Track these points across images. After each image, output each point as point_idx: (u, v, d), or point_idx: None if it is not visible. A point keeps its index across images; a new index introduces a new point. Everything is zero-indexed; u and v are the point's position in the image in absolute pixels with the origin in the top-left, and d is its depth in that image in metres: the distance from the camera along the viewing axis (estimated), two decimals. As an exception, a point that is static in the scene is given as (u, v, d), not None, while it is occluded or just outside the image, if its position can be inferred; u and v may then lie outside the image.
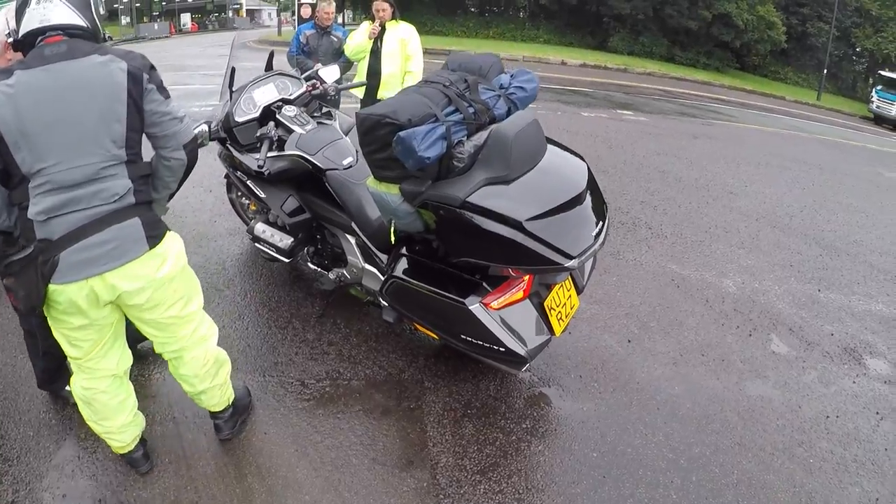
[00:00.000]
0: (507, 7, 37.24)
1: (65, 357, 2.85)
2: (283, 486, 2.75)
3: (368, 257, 3.52)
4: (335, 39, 6.42)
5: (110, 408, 2.56)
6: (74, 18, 2.20)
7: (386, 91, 5.92)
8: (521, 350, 2.75)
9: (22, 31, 2.19)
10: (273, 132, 3.67)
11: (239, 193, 4.74)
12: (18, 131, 2.04)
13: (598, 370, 3.62)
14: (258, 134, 3.72)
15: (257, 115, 3.93)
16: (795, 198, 7.75)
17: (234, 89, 4.11)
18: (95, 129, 2.15)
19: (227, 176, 4.65)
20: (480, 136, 2.60)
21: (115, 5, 54.65)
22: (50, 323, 2.35)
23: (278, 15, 37.33)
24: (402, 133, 2.37)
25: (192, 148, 2.50)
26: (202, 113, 10.61)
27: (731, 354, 3.90)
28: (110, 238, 2.19)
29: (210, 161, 7.36)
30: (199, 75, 16.63)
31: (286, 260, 3.90)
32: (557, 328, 2.98)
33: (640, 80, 20.91)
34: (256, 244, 4.06)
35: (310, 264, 4.02)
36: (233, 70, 4.29)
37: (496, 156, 2.51)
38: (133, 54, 2.27)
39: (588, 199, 2.67)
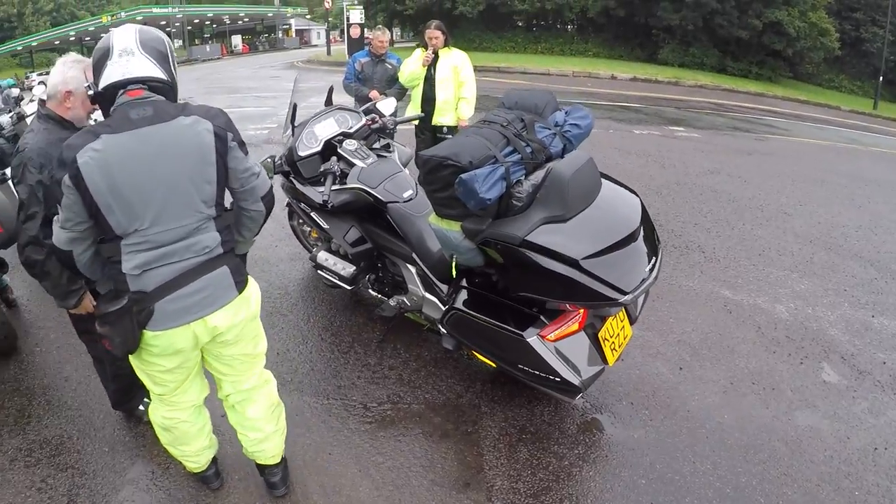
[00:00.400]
0: (554, 21, 37.13)
1: (135, 377, 2.99)
2: None
3: (428, 286, 3.66)
4: (389, 66, 6.62)
5: (190, 434, 2.71)
6: (155, 71, 2.23)
7: (440, 117, 6.11)
8: (575, 380, 2.86)
9: (102, 84, 2.21)
10: (336, 167, 3.88)
11: (300, 221, 4.95)
12: (111, 195, 2.07)
13: (650, 397, 3.67)
14: (322, 168, 3.93)
15: (319, 148, 4.15)
16: (850, 217, 7.57)
17: (296, 125, 4.34)
18: (188, 191, 2.20)
19: (288, 204, 4.88)
20: (538, 175, 2.72)
21: (168, 28, 56.15)
22: (135, 363, 2.46)
23: (327, 34, 37.90)
24: (463, 175, 2.51)
25: (269, 198, 2.56)
26: (257, 136, 11.01)
27: (782, 383, 3.88)
28: (203, 287, 2.30)
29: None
30: (252, 97, 17.23)
31: (348, 287, 4.08)
32: (611, 358, 3.06)
33: (691, 94, 20.67)
34: (319, 271, 4.26)
35: (371, 291, 4.19)
36: (294, 106, 4.54)
37: (554, 196, 2.62)
38: (214, 111, 2.31)
39: (641, 235, 2.79)
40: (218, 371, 2.63)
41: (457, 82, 6.05)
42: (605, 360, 3.05)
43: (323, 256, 4.20)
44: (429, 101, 6.12)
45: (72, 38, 58.40)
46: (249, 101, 16.27)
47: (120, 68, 2.17)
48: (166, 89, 2.28)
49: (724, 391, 3.77)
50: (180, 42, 56.37)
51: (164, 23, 55.89)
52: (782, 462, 3.21)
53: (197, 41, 62.09)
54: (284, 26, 71.12)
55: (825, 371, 4.07)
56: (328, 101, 4.75)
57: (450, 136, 6.03)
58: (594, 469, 3.13)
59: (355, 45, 29.71)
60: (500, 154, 2.64)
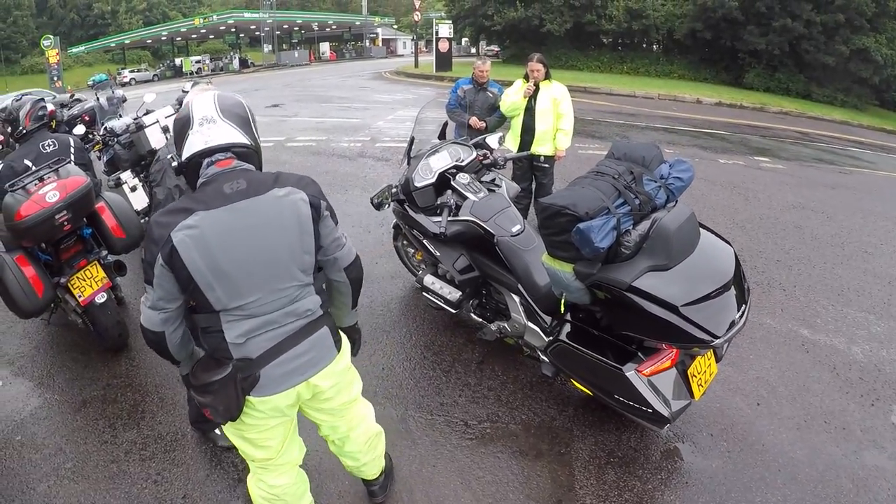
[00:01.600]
0: (640, 41, 36.69)
1: None
2: (450, 514, 3.27)
3: (531, 316, 3.96)
4: (490, 95, 6.91)
5: (297, 496, 2.72)
6: (238, 137, 2.22)
7: (539, 147, 6.38)
8: (665, 412, 3.13)
9: (186, 154, 2.19)
10: (452, 201, 4.23)
11: (405, 243, 5.34)
12: (210, 273, 2.06)
13: (728, 430, 3.87)
14: (439, 202, 4.30)
15: (434, 180, 4.51)
16: None
17: (412, 156, 4.74)
18: (288, 262, 2.21)
19: (396, 226, 5.27)
20: (644, 226, 2.95)
21: (258, 33, 57.28)
22: (234, 431, 2.44)
23: (415, 45, 38.29)
24: (581, 225, 2.80)
25: (355, 269, 2.52)
26: (351, 149, 11.41)
27: (853, 423, 4.01)
28: (307, 350, 2.34)
29: (366, 201, 7.94)
30: (343, 108, 17.71)
31: (453, 311, 4.45)
32: (697, 393, 3.30)
33: (775, 121, 20.18)
34: (424, 293, 4.64)
35: (473, 315, 4.51)
36: (412, 140, 4.94)
37: (659, 247, 2.89)
38: (306, 180, 2.30)
39: (734, 286, 3.05)
40: (317, 419, 2.68)
41: (556, 114, 6.31)
42: (692, 395, 3.31)
43: (430, 280, 4.57)
44: (528, 132, 6.40)
45: (163, 38, 60.83)
46: (340, 112, 16.84)
47: (202, 137, 2.16)
48: (251, 154, 2.28)
49: (797, 428, 3.94)
50: (269, 47, 57.91)
51: (253, 27, 57.62)
52: (847, 498, 3.40)
53: (285, 46, 63.47)
54: (371, 35, 72.02)
55: (895, 414, 4.21)
56: (442, 135, 5.12)
57: (546, 166, 6.44)
58: (674, 494, 3.38)
59: (443, 59, 30.30)
60: (612, 205, 2.93)
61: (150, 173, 3.17)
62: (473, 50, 53.12)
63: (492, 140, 4.95)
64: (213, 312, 2.18)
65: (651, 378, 3.14)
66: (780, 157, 13.00)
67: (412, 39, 45.17)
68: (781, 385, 4.42)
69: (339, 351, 2.49)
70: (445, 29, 31.18)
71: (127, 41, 59.29)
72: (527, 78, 6.31)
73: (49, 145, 4.55)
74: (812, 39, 28.84)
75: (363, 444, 2.88)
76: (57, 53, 39.88)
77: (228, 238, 2.07)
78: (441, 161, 4.62)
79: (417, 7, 38.30)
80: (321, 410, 2.60)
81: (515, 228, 4.08)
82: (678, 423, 3.88)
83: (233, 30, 61.21)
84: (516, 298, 4.05)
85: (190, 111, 2.20)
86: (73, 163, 4.27)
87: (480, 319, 4.45)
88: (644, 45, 37.42)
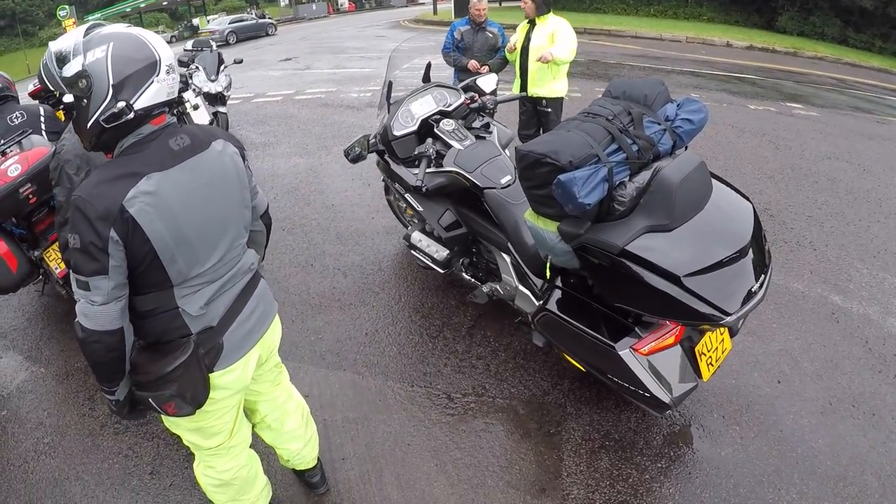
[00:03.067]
0: None
1: None
2: (420, 499, 2.93)
3: (522, 278, 3.58)
4: (490, 35, 6.35)
5: (250, 479, 2.52)
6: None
7: (535, 88, 5.86)
8: (665, 398, 2.75)
9: (144, 105, 1.78)
10: (431, 150, 3.79)
11: (396, 196, 4.96)
12: (174, 242, 1.83)
13: (743, 412, 3.46)
14: (416, 151, 3.85)
15: (415, 128, 4.10)
16: None
17: (391, 102, 4.29)
18: (238, 219, 2.08)
19: (384, 179, 4.88)
20: (643, 177, 2.52)
21: (276, -15, 56.65)
22: (188, 422, 2.18)
23: (433, -7, 37.55)
24: (562, 177, 2.37)
25: (267, 213, 2.41)
26: (360, 98, 11.07)
27: (883, 409, 3.53)
28: (256, 304, 2.21)
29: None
30: (357, 58, 17.21)
31: (441, 271, 4.06)
32: (706, 374, 2.90)
33: (810, 66, 19.27)
34: (412, 251, 4.26)
35: (464, 275, 4.15)
36: (390, 84, 4.48)
37: (659, 202, 2.43)
38: (229, 134, 2.11)
39: (751, 251, 2.57)
40: (255, 393, 2.51)
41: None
42: (699, 376, 2.89)
43: (417, 237, 4.18)
44: (524, 72, 5.93)
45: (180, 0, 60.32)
46: (354, 62, 16.32)
47: (167, 86, 1.84)
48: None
49: (821, 412, 3.50)
50: (287, 0, 57.05)
51: (272, -21, 56.85)
52: (871, 499, 2.97)
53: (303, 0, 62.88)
54: (392, -17, 70.76)
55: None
56: (426, 78, 4.66)
57: (549, 110, 5.94)
58: (675, 486, 3.00)
59: (462, 5, 29.42)
60: (602, 153, 2.48)
61: (50, 170, 2.85)
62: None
63: (484, 82, 4.50)
64: (167, 289, 1.91)
65: (650, 357, 2.72)
66: (814, 104, 12.30)
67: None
68: (807, 360, 3.95)
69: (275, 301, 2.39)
70: (464, -26, 30.09)
71: (142, 4, 58.53)
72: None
73: (17, 117, 4.37)
74: (850, -20, 27.38)
75: (301, 419, 2.70)
76: (74, 23, 39.48)
77: (189, 200, 1.86)
78: (424, 106, 4.21)
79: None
80: (262, 379, 2.45)
81: (504, 179, 3.68)
82: (687, 401, 3.48)
83: (250, -17, 60.09)
84: (507, 258, 3.67)
85: (156, 53, 1.81)
86: (44, 132, 4.18)
87: (472, 280, 4.11)
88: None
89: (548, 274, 3.02)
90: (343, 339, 4.08)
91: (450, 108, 4.19)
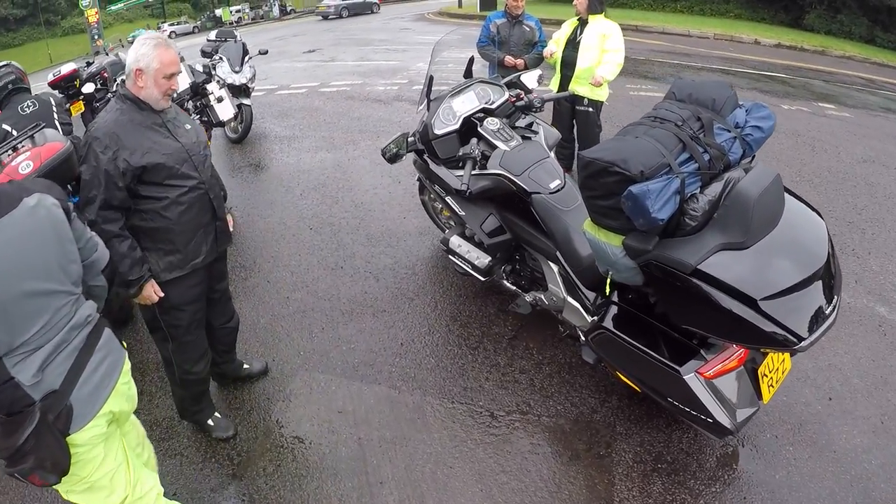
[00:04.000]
0: None
1: (205, 383, 3.07)
2: (465, 527, 2.76)
3: (571, 289, 3.39)
4: (527, 29, 6.12)
5: None
6: None
7: (578, 86, 5.66)
8: (728, 423, 2.57)
9: None
10: (476, 152, 3.57)
11: (432, 196, 4.76)
12: None
13: (795, 431, 3.28)
14: (461, 153, 3.63)
15: (457, 126, 3.87)
16: None
17: (432, 98, 4.07)
18: (60, 278, 1.93)
19: (419, 178, 4.68)
20: (715, 189, 2.33)
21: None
22: (71, 485, 2.04)
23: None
24: (634, 189, 2.19)
25: (110, 266, 2.28)
26: (388, 92, 10.82)
27: None
28: (104, 355, 2.06)
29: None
30: (382, 50, 17.02)
31: (482, 278, 3.87)
32: (766, 396, 2.73)
33: (838, 65, 18.88)
34: (450, 256, 4.06)
35: (505, 283, 3.95)
36: (431, 79, 4.22)
37: (735, 218, 2.25)
38: (47, 182, 2.05)
39: (825, 271, 2.36)
40: (126, 435, 2.35)
41: (601, 50, 5.57)
42: (760, 398, 2.72)
43: (456, 242, 3.98)
44: (569, 66, 5.69)
45: (201, -12, 60.37)
46: (380, 55, 16.09)
47: None
48: None
49: (874, 431, 3.33)
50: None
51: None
52: None
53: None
54: (418, -26, 70.22)
55: None
56: (468, 73, 4.44)
57: (590, 110, 5.72)
58: (729, 512, 2.80)
59: None
60: (674, 162, 2.29)
61: (78, 147, 2.79)
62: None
63: (528, 78, 4.28)
64: None
65: (714, 381, 2.53)
66: (846, 105, 11.95)
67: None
68: (856, 375, 3.76)
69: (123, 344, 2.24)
70: (490, -35, 29.88)
71: (164, -6, 59.06)
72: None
73: (28, 106, 4.27)
74: (878, -22, 27.02)
75: (144, 439, 2.54)
76: (96, 12, 39.90)
77: None
78: (467, 104, 3.97)
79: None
80: (125, 418, 2.29)
81: (554, 184, 3.47)
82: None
83: (273, -27, 59.77)
84: (554, 267, 3.47)
85: None
86: (57, 123, 4.07)
87: (514, 288, 3.90)
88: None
89: (607, 290, 2.81)
90: (377, 350, 3.88)
91: (493, 106, 3.96)
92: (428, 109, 4.04)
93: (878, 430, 3.32)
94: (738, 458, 3.11)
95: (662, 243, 2.36)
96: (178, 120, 2.80)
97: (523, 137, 3.79)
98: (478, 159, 3.59)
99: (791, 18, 30.05)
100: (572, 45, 5.65)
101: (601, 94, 5.74)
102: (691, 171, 2.31)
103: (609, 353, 2.93)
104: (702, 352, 2.55)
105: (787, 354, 2.86)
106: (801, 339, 2.19)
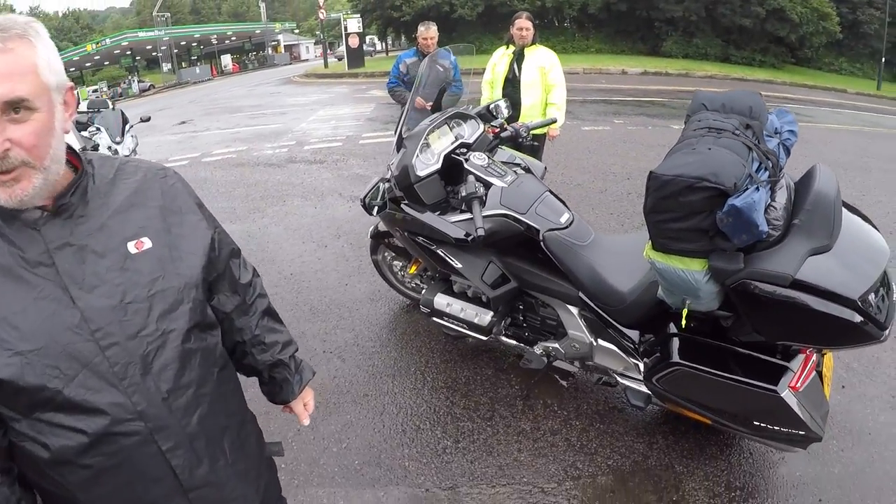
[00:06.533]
0: (552, 19, 36.72)
1: None
2: None
3: (600, 331, 3.05)
4: (441, 69, 5.84)
5: None
6: None
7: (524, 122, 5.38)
8: (819, 430, 2.39)
9: None
10: (480, 190, 3.10)
11: (388, 255, 4.26)
12: None
13: (831, 424, 3.12)
14: (464, 193, 3.09)
15: (439, 166, 3.42)
16: None
17: (405, 136, 3.56)
18: None
19: (375, 235, 4.20)
20: (782, 196, 2.18)
21: (154, 53, 55.38)
22: None
23: (324, 47, 37.36)
24: (738, 203, 1.95)
25: None
26: (278, 155, 10.40)
27: None
28: None
29: (310, 210, 7.01)
30: (258, 115, 16.52)
31: (483, 338, 3.44)
32: (827, 394, 2.60)
33: (703, 85, 20.38)
34: (437, 319, 3.58)
35: (503, 338, 3.52)
36: (406, 110, 3.73)
37: (819, 221, 2.13)
38: None
39: None
40: None
41: (544, 85, 5.40)
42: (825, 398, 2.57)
43: (443, 301, 3.50)
44: (513, 107, 5.32)
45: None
46: (257, 119, 15.58)
47: None
48: None
49: (890, 406, 3.44)
50: (169, 66, 55.73)
51: (149, 47, 55.57)
52: None
53: (184, 64, 61.12)
54: (273, 42, 69.57)
55: None
56: (436, 106, 4.04)
57: (536, 144, 5.42)
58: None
59: (355, 55, 30.23)
60: (753, 171, 2.08)
61: None
62: (380, 46, 53.16)
63: (499, 107, 3.91)
64: None
65: (801, 391, 2.35)
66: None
67: (315, 42, 44.30)
68: (853, 360, 3.86)
69: None
70: (354, 23, 30.50)
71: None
72: (509, 43, 5.43)
73: None
74: (728, 3, 30.08)
75: None
76: None
77: None
78: (443, 140, 3.54)
79: (322, 5, 36.94)
80: None
81: (564, 219, 3.13)
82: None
83: (128, 52, 57.67)
84: (573, 310, 3.10)
85: None
86: None
87: (516, 343, 3.48)
88: (557, 24, 37.54)
89: (683, 323, 2.47)
90: (376, 443, 3.26)
91: (471, 140, 3.56)
92: (398, 150, 3.54)
93: (892, 405, 3.45)
94: (796, 464, 2.99)
95: (749, 259, 2.13)
96: (95, 235, 1.22)
97: (515, 174, 3.42)
98: (484, 198, 3.12)
99: (649, 47, 32.76)
100: (511, 83, 5.42)
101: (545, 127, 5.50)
102: (766, 180, 2.12)
103: (684, 390, 2.63)
104: (788, 366, 2.37)
105: (831, 353, 2.76)
106: (884, 328, 2.11)
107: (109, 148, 7.03)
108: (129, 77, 56.49)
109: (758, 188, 2.01)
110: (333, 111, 16.01)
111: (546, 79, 5.35)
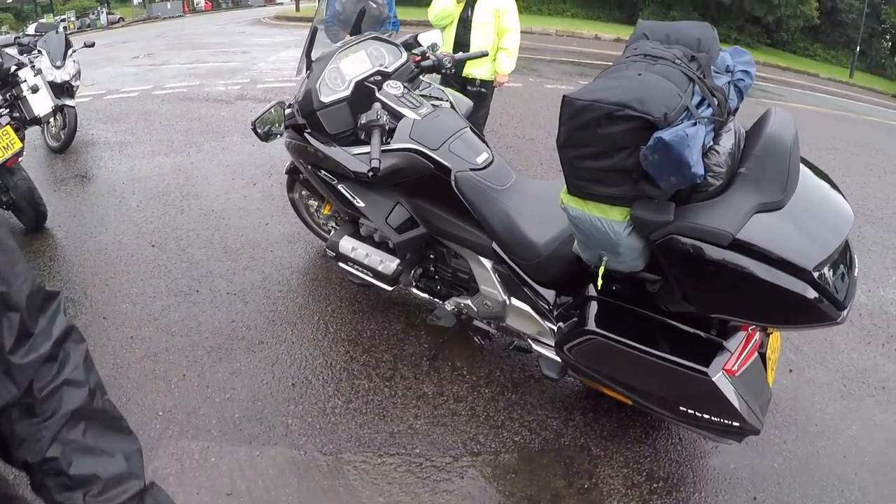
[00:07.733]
0: None
1: None
2: None
3: (514, 289, 2.70)
4: (374, 6, 5.40)
5: None
6: None
7: (473, 68, 5.05)
8: (756, 422, 2.07)
9: None
10: (385, 118, 2.76)
11: (304, 193, 3.84)
12: None
13: (774, 412, 2.96)
14: (363, 121, 2.77)
15: (348, 94, 3.05)
16: (876, 188, 6.97)
17: (314, 59, 3.18)
18: None
19: (290, 170, 3.80)
20: (727, 141, 1.83)
21: (128, -17, 54.08)
22: None
23: (295, -11, 36.70)
24: (666, 136, 1.58)
25: None
26: (229, 92, 10.04)
27: (889, 379, 3.36)
28: None
29: (248, 148, 6.58)
30: (219, 52, 15.92)
31: (388, 287, 3.08)
32: (770, 380, 2.26)
33: (675, 57, 20.44)
34: (342, 264, 3.21)
35: (414, 290, 3.17)
36: (314, 31, 3.29)
37: (770, 171, 1.80)
38: None
39: None
40: None
41: (497, 28, 5.01)
42: (767, 384, 2.24)
43: (348, 245, 3.13)
44: (461, 47, 5.04)
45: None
46: (218, 56, 14.97)
47: None
48: None
49: (841, 396, 3.21)
50: (139, -1, 54.29)
51: (121, -24, 54.06)
52: None
53: (157, -2, 59.85)
54: (248, -19, 68.43)
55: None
56: (356, 29, 3.61)
57: (483, 91, 5.13)
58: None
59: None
60: (692, 105, 1.70)
61: None
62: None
63: (426, 38, 3.55)
64: None
65: (738, 375, 2.00)
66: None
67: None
68: (804, 343, 3.59)
69: None
70: (328, -34, 29.48)
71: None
72: None
73: None
74: (708, -24, 29.71)
75: None
76: None
77: None
78: (358, 65, 3.16)
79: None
80: None
81: (481, 159, 2.78)
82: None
83: (100, -19, 56.17)
84: (487, 264, 2.76)
85: None
86: None
87: (427, 296, 3.14)
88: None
89: (599, 283, 2.08)
90: (263, 397, 2.88)
91: (389, 69, 3.19)
92: (308, 73, 3.15)
93: (844, 394, 3.23)
94: (731, 455, 2.71)
95: (681, 211, 1.77)
96: None
97: (434, 106, 3.05)
98: (387, 128, 2.77)
99: (625, 16, 32.35)
100: (463, 23, 5.00)
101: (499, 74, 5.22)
102: (708, 117, 1.74)
103: (599, 364, 2.26)
104: (724, 344, 2.00)
105: (778, 332, 2.39)
106: (842, 307, 1.80)
107: (49, 71, 6.52)
108: (99, 8, 54.93)
109: (695, 123, 1.63)
110: (296, 52, 15.24)
111: (500, 21, 4.98)
